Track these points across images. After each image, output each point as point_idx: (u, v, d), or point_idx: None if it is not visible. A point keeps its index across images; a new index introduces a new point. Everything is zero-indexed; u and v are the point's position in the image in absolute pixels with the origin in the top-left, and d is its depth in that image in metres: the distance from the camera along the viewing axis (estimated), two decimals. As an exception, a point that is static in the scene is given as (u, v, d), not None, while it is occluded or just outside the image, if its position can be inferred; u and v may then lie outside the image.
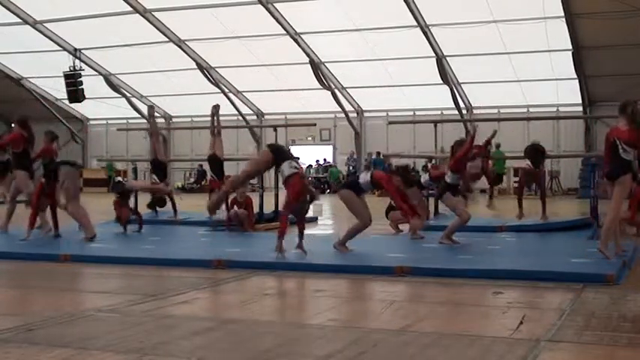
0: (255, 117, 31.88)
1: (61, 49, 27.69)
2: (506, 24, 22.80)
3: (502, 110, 26.98)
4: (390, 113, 29.79)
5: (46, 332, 4.16)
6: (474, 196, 11.06)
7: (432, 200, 12.23)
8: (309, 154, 31.66)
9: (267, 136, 30.41)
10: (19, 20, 25.80)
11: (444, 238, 8.41)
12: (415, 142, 28.28)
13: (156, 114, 33.44)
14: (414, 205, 8.69)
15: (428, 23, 23.71)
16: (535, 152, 11.24)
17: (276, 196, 12.45)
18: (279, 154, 7.55)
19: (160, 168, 11.95)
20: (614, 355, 3.77)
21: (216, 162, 12.29)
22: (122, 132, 27.82)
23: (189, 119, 32.07)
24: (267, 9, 23.69)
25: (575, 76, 25.08)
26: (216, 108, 12.86)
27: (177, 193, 12.64)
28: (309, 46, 26.24)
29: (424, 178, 10.60)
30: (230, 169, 33.87)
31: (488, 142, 10.85)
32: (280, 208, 7.90)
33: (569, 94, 26.29)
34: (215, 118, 12.69)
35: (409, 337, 4.06)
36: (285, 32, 25.07)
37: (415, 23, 23.45)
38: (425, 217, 9.91)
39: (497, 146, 19.98)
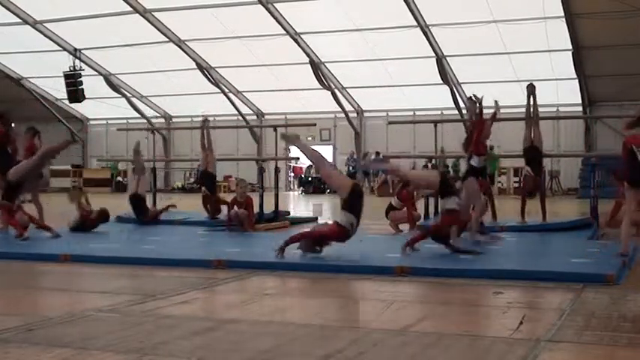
0: (255, 117, 31.90)
1: (61, 49, 27.70)
2: (506, 24, 22.81)
3: (502, 110, 26.89)
4: (390, 113, 29.80)
5: (46, 332, 4.16)
6: None
7: (431, 200, 12.22)
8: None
9: (267, 136, 30.43)
10: (19, 20, 25.81)
11: (473, 237, 8.20)
12: (415, 142, 28.30)
13: (156, 114, 33.57)
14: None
15: (428, 23, 23.71)
16: (534, 159, 10.90)
17: (276, 196, 12.46)
18: (354, 201, 7.45)
19: (139, 205, 11.75)
20: (614, 355, 3.77)
21: (208, 177, 12.25)
22: (122, 132, 27.82)
23: (190, 119, 32.08)
24: (267, 9, 23.70)
25: (575, 76, 25.09)
26: (205, 122, 12.68)
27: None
28: (309, 46, 26.24)
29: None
30: (230, 169, 33.77)
31: (494, 115, 9.97)
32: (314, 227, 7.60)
33: (569, 94, 26.29)
34: (205, 132, 12.51)
35: (409, 337, 4.06)
36: (285, 32, 25.07)
37: (415, 23, 23.45)
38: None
39: (491, 148, 20.00)
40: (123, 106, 30.97)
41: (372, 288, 5.73)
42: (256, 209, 11.33)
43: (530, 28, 22.63)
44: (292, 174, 33.40)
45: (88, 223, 10.09)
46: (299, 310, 4.95)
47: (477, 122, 9.19)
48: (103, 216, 10.25)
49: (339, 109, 29.65)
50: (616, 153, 7.79)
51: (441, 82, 25.94)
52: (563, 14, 21.48)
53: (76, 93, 27.62)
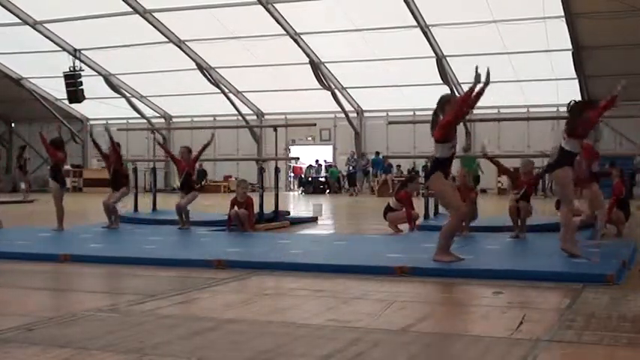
0: (255, 117, 31.91)
1: (61, 49, 27.71)
2: (506, 24, 22.82)
3: (502, 110, 26.99)
4: (390, 113, 29.80)
5: (46, 332, 4.16)
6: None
7: (431, 200, 12.21)
8: (309, 154, 31.70)
9: (267, 136, 30.44)
10: (19, 21, 25.81)
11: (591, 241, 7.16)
12: (415, 142, 28.30)
13: (156, 114, 33.40)
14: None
15: (428, 23, 23.72)
16: None
17: (276, 196, 12.45)
18: None
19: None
20: (614, 355, 3.76)
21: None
22: (122, 132, 27.79)
23: (190, 119, 32.10)
24: (267, 9, 23.70)
25: (575, 76, 25.09)
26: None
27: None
28: (309, 46, 26.24)
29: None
30: (230, 169, 33.63)
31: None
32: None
33: (569, 94, 26.28)
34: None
35: (409, 337, 4.06)
36: (285, 32, 25.08)
37: (415, 23, 23.46)
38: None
39: (465, 150, 19.89)
40: (123, 107, 30.98)
41: (372, 288, 5.72)
42: (256, 209, 11.31)
43: (530, 28, 22.64)
44: (292, 174, 33.42)
45: None
46: (299, 310, 4.94)
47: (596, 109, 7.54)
48: None
49: (339, 109, 29.65)
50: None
51: (441, 82, 25.94)
52: (563, 14, 21.48)
53: (76, 93, 27.62)
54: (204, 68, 28.20)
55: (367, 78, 27.51)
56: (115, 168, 11.35)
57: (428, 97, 29.16)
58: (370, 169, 29.85)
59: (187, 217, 11.10)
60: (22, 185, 23.78)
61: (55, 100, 32.31)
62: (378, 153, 28.79)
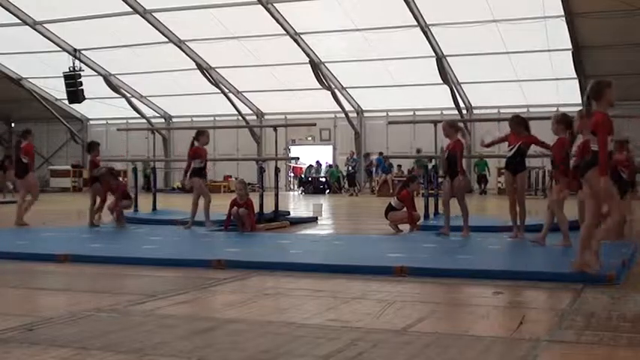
0: (255, 117, 31.92)
1: (60, 49, 27.73)
2: (506, 24, 22.84)
3: (502, 110, 27.01)
4: (390, 113, 29.84)
5: (46, 332, 4.16)
6: None
7: (431, 200, 12.21)
8: (309, 154, 31.71)
9: (267, 136, 30.45)
10: (19, 21, 25.84)
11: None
12: (415, 142, 28.32)
13: (156, 114, 33.43)
14: None
15: (428, 23, 23.75)
16: None
17: (276, 196, 12.45)
18: None
19: None
20: (614, 355, 3.76)
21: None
22: (122, 132, 27.84)
23: (190, 119, 32.12)
24: (267, 9, 23.72)
25: (575, 76, 25.10)
26: None
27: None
28: (309, 46, 26.26)
29: None
30: (230, 169, 33.61)
31: None
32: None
33: (569, 94, 26.33)
34: None
35: (409, 337, 4.06)
36: (285, 32, 25.10)
37: (415, 23, 23.47)
38: None
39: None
40: (123, 106, 31.00)
41: (372, 288, 5.72)
42: (256, 209, 11.29)
43: (530, 28, 22.66)
44: (292, 174, 33.43)
45: None
46: (299, 310, 4.94)
47: None
48: None
49: (339, 109, 29.67)
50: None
51: (441, 82, 25.96)
52: (563, 14, 21.50)
53: (75, 93, 27.68)
54: (204, 68, 28.22)
55: (367, 78, 27.54)
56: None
57: (428, 96, 29.34)
58: (373, 169, 29.88)
59: (192, 217, 11.12)
60: (10, 185, 23.74)
61: (55, 100, 32.36)
62: (381, 153, 28.83)
